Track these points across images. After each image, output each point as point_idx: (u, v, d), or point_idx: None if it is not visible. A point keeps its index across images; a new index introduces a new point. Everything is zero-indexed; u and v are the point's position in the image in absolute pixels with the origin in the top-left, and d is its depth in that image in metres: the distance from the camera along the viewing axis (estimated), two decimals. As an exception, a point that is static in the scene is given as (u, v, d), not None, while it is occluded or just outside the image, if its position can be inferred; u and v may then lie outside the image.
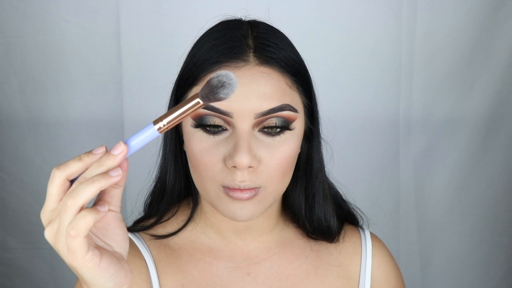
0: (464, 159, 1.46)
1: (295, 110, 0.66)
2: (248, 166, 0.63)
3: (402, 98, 1.41)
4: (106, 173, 0.50)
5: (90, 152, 0.51)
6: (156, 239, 0.75)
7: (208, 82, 0.51)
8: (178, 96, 0.72)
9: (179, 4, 1.32)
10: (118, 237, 0.53)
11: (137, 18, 1.32)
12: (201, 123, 0.66)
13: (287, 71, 0.67)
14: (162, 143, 0.76)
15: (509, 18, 1.39)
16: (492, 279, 1.50)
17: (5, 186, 1.35)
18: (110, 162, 0.50)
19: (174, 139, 0.74)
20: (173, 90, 0.74)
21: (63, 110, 1.33)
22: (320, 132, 0.77)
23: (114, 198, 0.53)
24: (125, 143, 0.52)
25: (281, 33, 0.72)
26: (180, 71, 0.73)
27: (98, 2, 1.30)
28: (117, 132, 1.35)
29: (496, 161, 1.46)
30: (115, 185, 0.52)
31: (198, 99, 0.51)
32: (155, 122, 0.51)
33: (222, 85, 0.50)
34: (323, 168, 0.78)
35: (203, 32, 0.73)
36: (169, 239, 0.76)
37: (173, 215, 0.77)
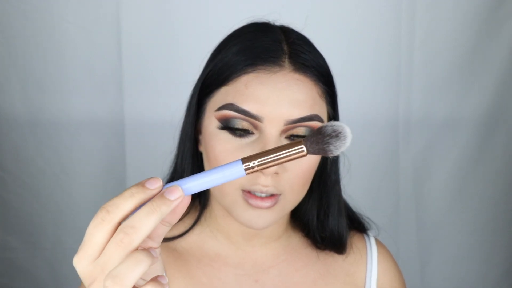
0: (464, 159, 1.46)
1: (322, 121, 0.66)
2: (274, 171, 0.62)
3: (401, 98, 1.41)
4: (164, 197, 0.42)
5: (143, 185, 0.42)
6: (163, 242, 0.73)
7: (320, 129, 0.45)
8: (202, 96, 0.69)
9: (180, 4, 1.32)
10: (156, 273, 0.47)
11: (138, 18, 1.32)
12: (227, 126, 0.64)
13: (320, 80, 0.66)
14: (179, 142, 0.75)
15: (509, 18, 1.39)
16: (492, 279, 1.50)
17: (6, 186, 1.35)
18: (165, 208, 0.42)
19: (192, 139, 0.72)
20: (195, 89, 0.71)
21: (64, 110, 1.33)
22: None
23: (160, 237, 0.46)
24: (183, 188, 0.43)
25: (311, 41, 0.71)
26: (206, 70, 0.70)
27: (98, 2, 1.30)
28: (117, 132, 1.35)
29: (495, 161, 1.46)
30: (166, 222, 0.45)
31: (302, 146, 0.44)
32: (245, 160, 0.44)
33: (336, 135, 0.45)
34: (339, 181, 0.77)
35: (231, 32, 0.72)
36: (176, 242, 0.74)
37: (181, 219, 0.76)
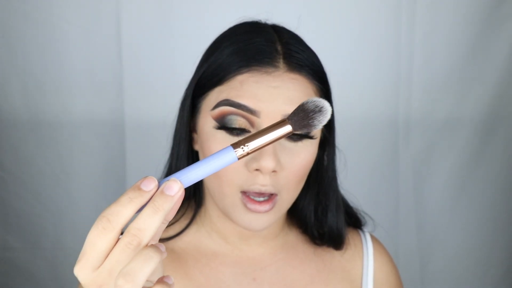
0: (464, 159, 1.46)
1: None
2: (273, 170, 0.62)
3: (401, 99, 1.41)
4: (164, 194, 0.42)
5: (138, 188, 0.42)
6: (160, 242, 0.74)
7: (302, 107, 0.47)
8: (196, 96, 0.69)
9: (179, 5, 1.33)
10: (158, 272, 0.47)
11: (138, 18, 1.32)
12: (224, 125, 0.64)
13: (314, 78, 0.66)
14: (173, 143, 0.75)
15: (509, 18, 1.39)
16: (491, 279, 1.50)
17: (6, 186, 1.35)
18: (168, 205, 0.42)
19: (187, 140, 0.72)
20: (188, 90, 0.71)
21: (64, 110, 1.34)
22: (335, 140, 0.76)
23: (158, 235, 0.46)
24: (180, 180, 0.43)
25: (303, 40, 0.71)
26: (200, 71, 0.70)
27: (99, 3, 1.30)
28: (118, 133, 1.35)
29: (495, 161, 1.46)
30: (164, 219, 0.45)
31: (288, 125, 0.45)
32: (235, 145, 0.45)
33: (319, 110, 0.47)
34: (336, 177, 0.77)
35: (223, 32, 0.72)
36: (173, 243, 0.74)
37: (177, 220, 0.76)
